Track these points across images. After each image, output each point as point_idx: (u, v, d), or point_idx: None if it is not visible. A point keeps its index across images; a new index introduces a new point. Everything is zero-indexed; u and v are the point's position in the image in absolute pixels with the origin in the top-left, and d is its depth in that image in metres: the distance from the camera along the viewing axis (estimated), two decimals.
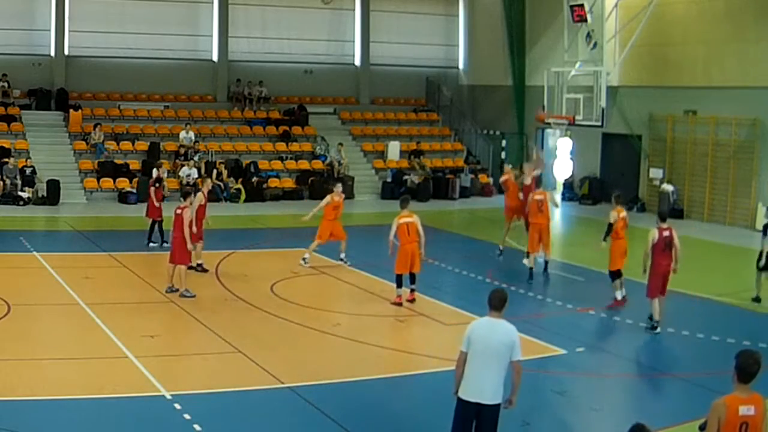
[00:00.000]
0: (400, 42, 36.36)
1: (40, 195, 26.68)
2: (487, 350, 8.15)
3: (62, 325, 14.02)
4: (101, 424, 9.86)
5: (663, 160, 28.76)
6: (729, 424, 6.80)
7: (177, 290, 15.64)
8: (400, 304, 15.51)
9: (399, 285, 15.63)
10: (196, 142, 30.35)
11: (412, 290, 15.74)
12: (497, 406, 8.26)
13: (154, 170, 22.60)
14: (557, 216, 29.81)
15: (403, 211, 15.74)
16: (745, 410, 6.81)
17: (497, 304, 8.29)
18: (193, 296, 15.53)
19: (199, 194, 17.65)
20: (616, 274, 16.17)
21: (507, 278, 18.10)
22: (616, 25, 28.90)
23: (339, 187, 19.55)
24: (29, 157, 28.02)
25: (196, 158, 29.53)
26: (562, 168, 33.27)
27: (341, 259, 19.08)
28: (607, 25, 29.08)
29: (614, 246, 16.15)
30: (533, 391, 11.65)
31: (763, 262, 16.57)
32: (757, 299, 16.67)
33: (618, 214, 16.09)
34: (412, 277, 15.72)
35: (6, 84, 30.18)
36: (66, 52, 31.13)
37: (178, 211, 15.74)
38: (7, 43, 30.15)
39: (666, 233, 14.17)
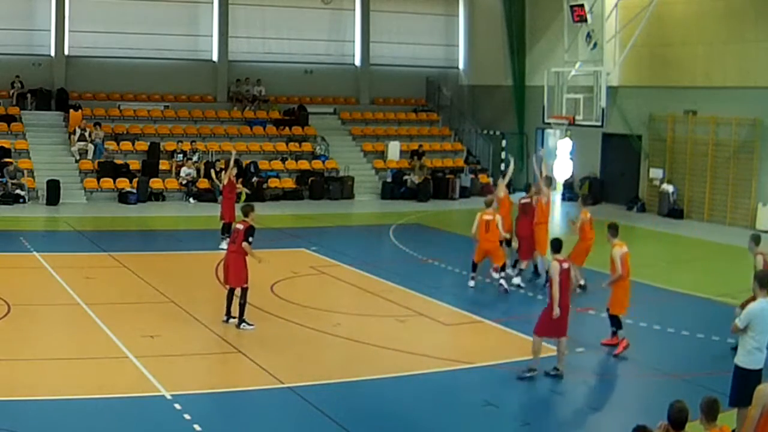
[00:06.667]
0: (400, 42, 36.33)
1: (40, 195, 26.66)
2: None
3: (62, 325, 14.01)
4: (101, 424, 9.84)
5: (663, 160, 28.73)
6: None
7: None
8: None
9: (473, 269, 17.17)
10: (194, 141, 30.34)
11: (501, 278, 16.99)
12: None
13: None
14: (557, 216, 29.82)
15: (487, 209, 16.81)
16: None
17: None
18: None
19: None
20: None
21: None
22: (616, 25, 28.90)
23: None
24: (29, 158, 28.00)
25: (195, 158, 29.54)
26: (562, 168, 33.25)
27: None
28: (607, 25, 29.09)
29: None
30: (533, 391, 11.67)
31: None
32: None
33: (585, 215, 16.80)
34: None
35: (20, 85, 30.13)
36: (66, 52, 31.10)
37: None
38: (7, 43, 30.11)
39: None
